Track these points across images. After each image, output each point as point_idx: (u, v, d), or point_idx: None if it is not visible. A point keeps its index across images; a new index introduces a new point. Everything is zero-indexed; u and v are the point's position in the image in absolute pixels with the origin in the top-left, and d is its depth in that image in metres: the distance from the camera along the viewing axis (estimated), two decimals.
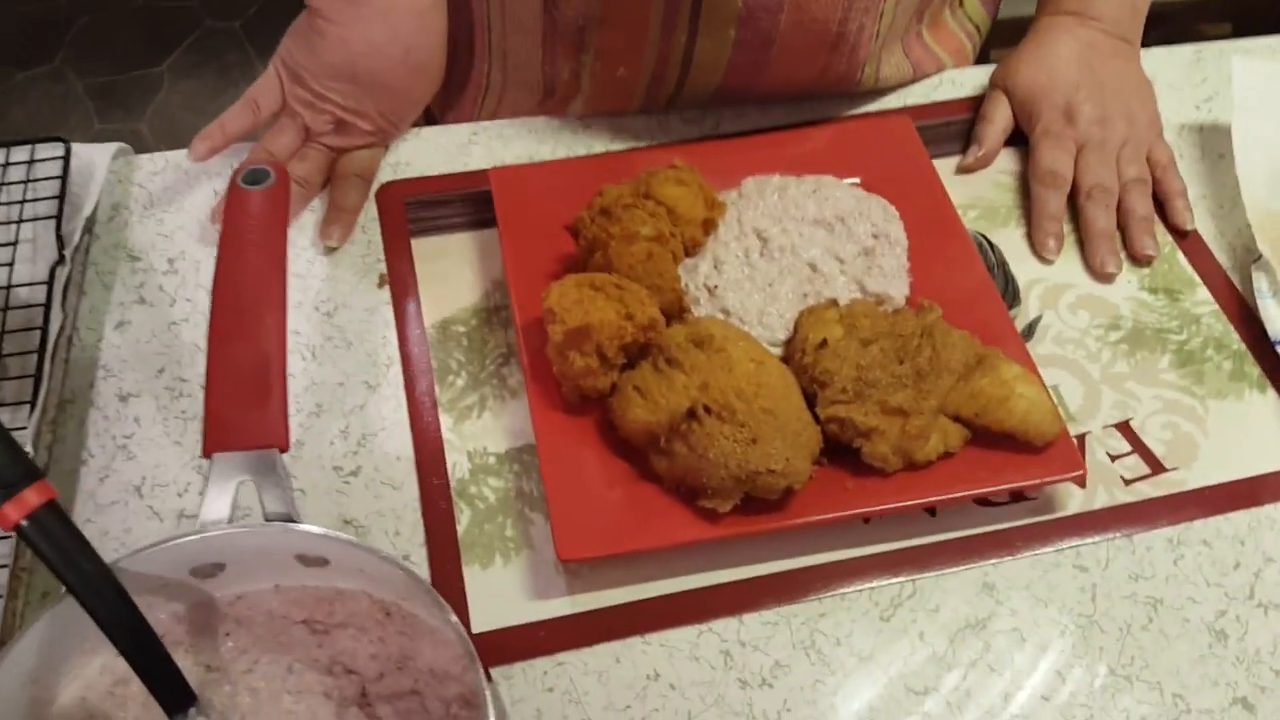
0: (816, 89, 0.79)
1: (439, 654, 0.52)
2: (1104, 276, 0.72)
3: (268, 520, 0.51)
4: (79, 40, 2.41)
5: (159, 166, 0.77)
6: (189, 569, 0.51)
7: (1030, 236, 0.75)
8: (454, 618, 0.47)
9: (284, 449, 0.51)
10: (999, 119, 0.79)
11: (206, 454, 0.51)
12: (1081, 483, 0.63)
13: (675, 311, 0.66)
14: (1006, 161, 0.79)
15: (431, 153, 0.78)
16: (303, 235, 0.73)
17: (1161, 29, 0.91)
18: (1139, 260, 0.74)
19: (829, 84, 0.78)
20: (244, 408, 0.51)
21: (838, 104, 0.82)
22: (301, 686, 0.52)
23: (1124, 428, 0.66)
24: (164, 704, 0.48)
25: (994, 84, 0.81)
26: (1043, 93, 0.78)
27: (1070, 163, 0.76)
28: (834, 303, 0.67)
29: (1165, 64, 0.87)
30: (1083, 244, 0.74)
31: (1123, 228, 0.75)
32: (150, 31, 2.43)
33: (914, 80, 0.84)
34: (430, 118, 0.88)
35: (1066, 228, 0.75)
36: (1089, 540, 0.62)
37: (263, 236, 0.55)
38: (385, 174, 0.76)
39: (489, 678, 0.49)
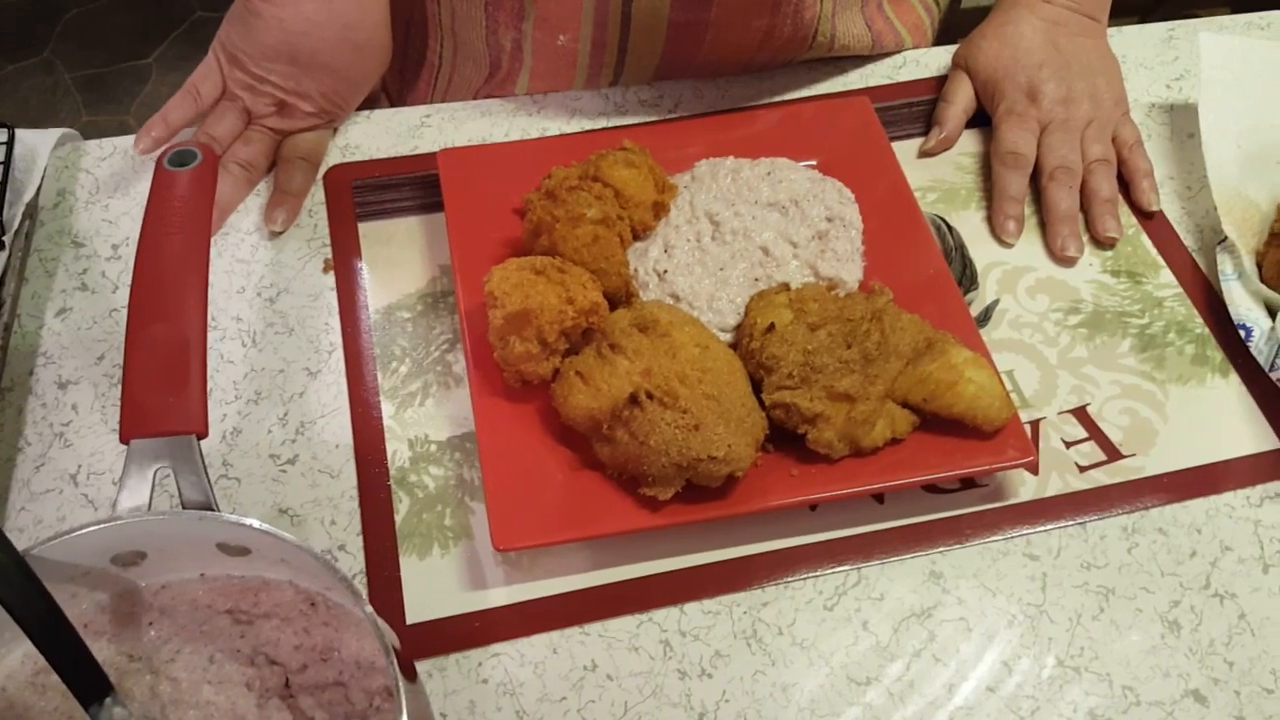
0: (768, 54, 0.78)
1: (364, 645, 0.51)
2: (1065, 260, 0.71)
3: (185, 508, 0.50)
4: (68, 32, 2.40)
5: (106, 152, 0.76)
6: (109, 557, 0.50)
7: (990, 219, 0.73)
8: (369, 609, 0.45)
9: (202, 435, 0.50)
10: (960, 99, 0.77)
11: (124, 440, 0.50)
12: (1033, 469, 0.62)
13: (622, 296, 0.65)
14: (968, 143, 0.78)
15: (382, 136, 0.76)
16: (247, 219, 0.72)
17: (1160, 12, 0.90)
18: (1101, 243, 0.72)
19: (779, 48, 0.77)
20: (162, 393, 0.50)
21: (797, 83, 0.81)
22: (222, 677, 0.51)
23: (1080, 413, 0.65)
24: (78, 694, 0.47)
25: (956, 63, 0.80)
26: (1006, 71, 0.76)
27: (1033, 143, 0.74)
28: (785, 287, 0.66)
29: (1136, 42, 0.85)
30: (1044, 226, 0.73)
31: (1086, 209, 0.73)
32: (139, 23, 2.42)
33: (874, 53, 0.82)
34: (391, 101, 0.87)
35: (1028, 210, 0.74)
36: (1040, 528, 0.60)
37: (187, 219, 0.54)
38: (334, 157, 0.75)
39: (411, 674, 0.48)
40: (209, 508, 0.50)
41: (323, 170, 0.74)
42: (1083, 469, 0.63)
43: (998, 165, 0.74)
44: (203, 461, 0.50)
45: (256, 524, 0.48)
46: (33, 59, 2.32)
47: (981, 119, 0.79)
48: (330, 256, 0.70)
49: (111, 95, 2.28)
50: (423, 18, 0.79)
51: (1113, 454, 0.63)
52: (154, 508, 0.50)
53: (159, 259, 0.53)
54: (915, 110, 0.80)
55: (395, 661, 0.44)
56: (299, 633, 0.52)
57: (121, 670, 0.50)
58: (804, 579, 0.58)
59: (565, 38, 0.75)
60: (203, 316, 0.52)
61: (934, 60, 0.83)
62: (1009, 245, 0.72)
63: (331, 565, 0.46)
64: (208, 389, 0.62)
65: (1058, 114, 0.75)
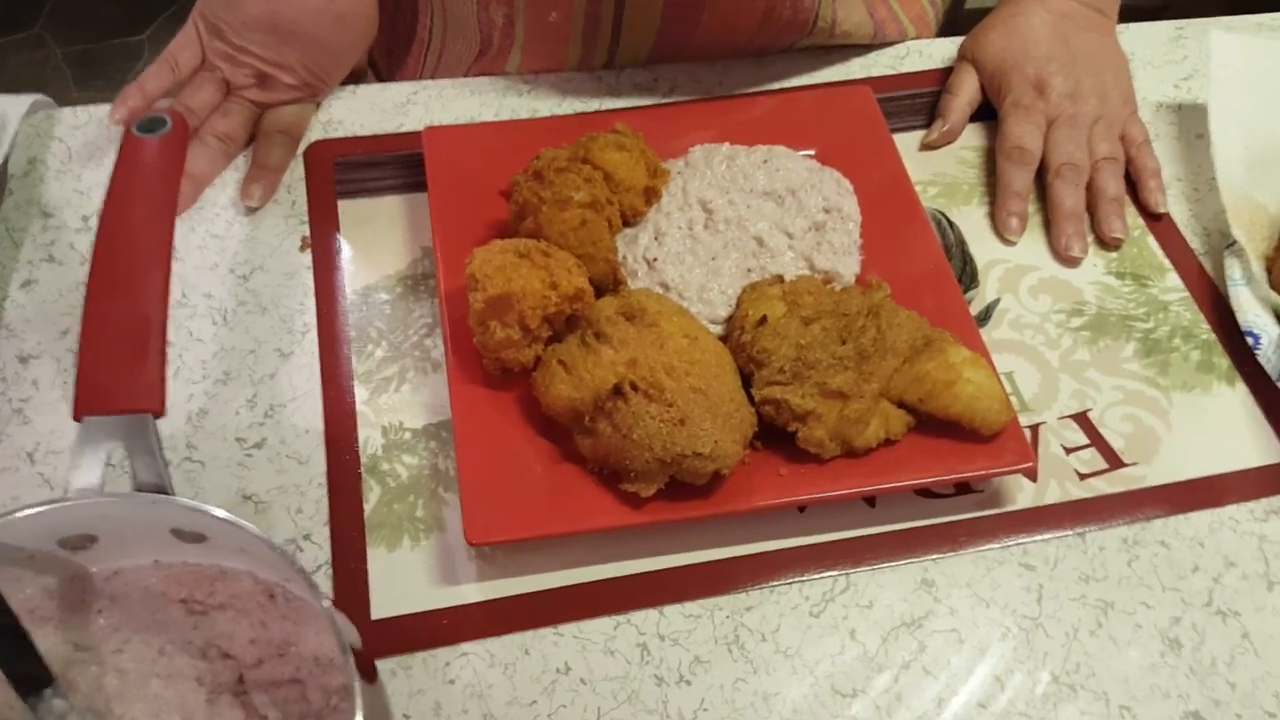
0: (766, 37, 0.75)
1: (324, 641, 0.48)
2: (1068, 260, 0.69)
3: (138, 490, 0.47)
4: (60, 7, 2.36)
5: (80, 121, 0.73)
6: (56, 540, 0.47)
7: (993, 215, 0.71)
8: (327, 602, 0.43)
9: (159, 414, 0.48)
10: (965, 92, 0.75)
11: (77, 417, 0.47)
12: (1032, 475, 0.59)
13: (609, 283, 0.63)
14: (971, 137, 0.76)
15: (367, 112, 0.74)
16: (223, 194, 0.69)
17: (1166, 15, 0.87)
18: (1107, 244, 0.70)
19: (778, 31, 0.74)
20: (117, 369, 0.47)
21: (797, 70, 0.78)
22: (172, 670, 0.48)
23: (1082, 419, 0.62)
24: (16, 684, 0.44)
25: (962, 55, 0.77)
26: (1013, 63, 0.74)
27: (1039, 138, 0.72)
28: (779, 279, 0.63)
29: (1144, 40, 0.83)
30: (1048, 224, 0.70)
31: (1091, 208, 0.71)
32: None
33: (876, 42, 0.80)
34: (379, 77, 0.85)
35: (1032, 208, 0.71)
36: (1038, 537, 0.58)
37: (153, 187, 0.51)
38: (315, 132, 0.73)
39: (371, 674, 0.46)
40: (163, 491, 0.47)
41: (303, 146, 0.72)
42: (1083, 477, 0.60)
43: (1002, 160, 0.72)
44: (158, 442, 0.48)
45: (212, 510, 0.46)
46: (23, 33, 2.28)
47: (985, 113, 0.76)
48: (308, 234, 0.67)
49: (102, 72, 2.24)
50: None
51: (1114, 462, 0.61)
52: (110, 490, 0.47)
53: (122, 229, 0.50)
54: (918, 102, 0.77)
55: (352, 660, 0.42)
56: (255, 626, 0.49)
57: (67, 660, 0.48)
58: (790, 583, 0.56)
59: (557, 15, 0.72)
60: (165, 290, 0.49)
61: (938, 51, 0.80)
62: (1011, 243, 0.69)
63: (288, 555, 0.44)
64: (171, 367, 0.60)
65: (1065, 109, 0.72)
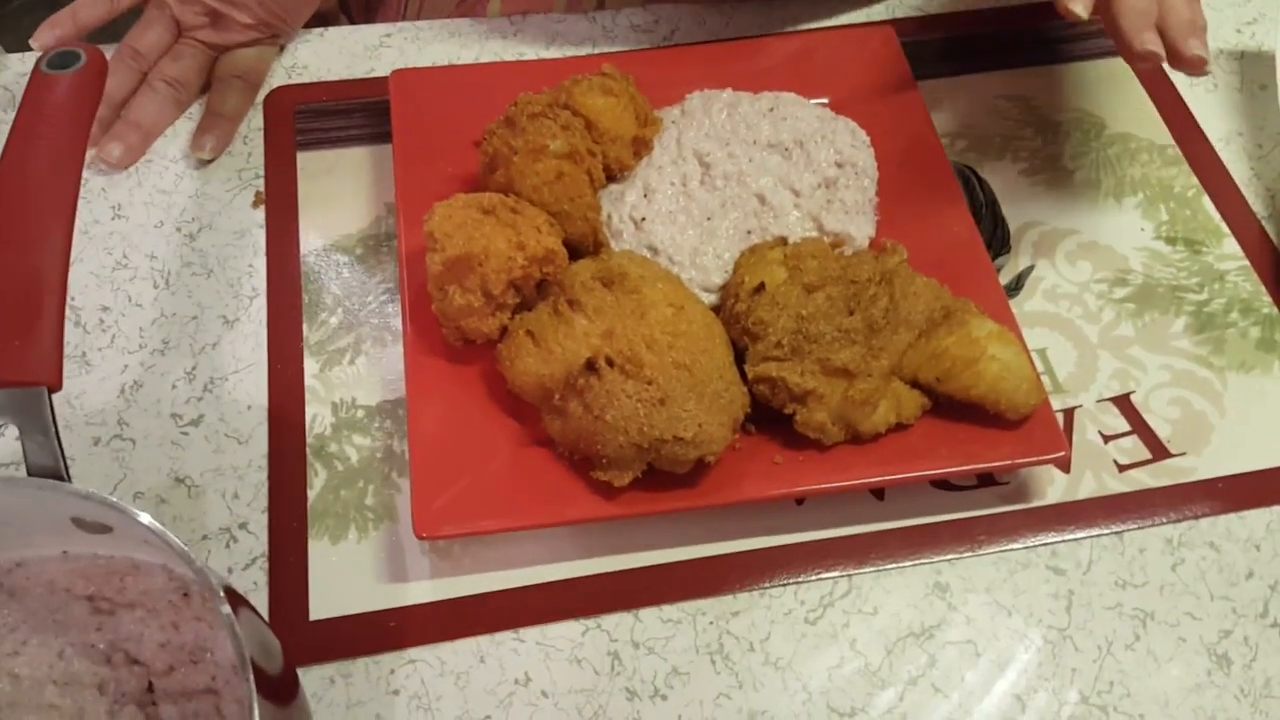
0: None
1: None
2: (1144, 55, 0.52)
3: (31, 473, 0.41)
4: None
5: (29, 68, 0.67)
6: None
7: None
8: (226, 608, 0.37)
9: (55, 387, 0.42)
10: None
11: None
12: (1064, 466, 0.53)
13: (589, 245, 0.56)
14: (1005, 84, 0.68)
15: (334, 56, 0.67)
16: (173, 145, 0.63)
17: None
18: (1188, 67, 0.53)
19: None
20: (5, 335, 0.41)
21: (813, 13, 0.71)
22: (70, 677, 0.43)
23: (1123, 402, 0.55)
24: None
25: None
26: None
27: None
28: (781, 241, 0.56)
29: None
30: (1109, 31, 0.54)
31: (1162, 33, 0.53)
32: None
33: None
34: (354, 23, 0.78)
35: (1073, 165, 0.63)
36: (1069, 536, 0.51)
37: (59, 130, 0.45)
38: (278, 78, 0.66)
39: (288, 690, 0.40)
40: (58, 475, 0.41)
41: (264, 93, 0.65)
42: (1122, 468, 0.53)
43: None
44: (53, 419, 0.42)
45: (106, 498, 0.40)
46: None
47: (1025, 58, 0.68)
48: (262, 189, 0.61)
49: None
50: None
51: (1159, 452, 0.54)
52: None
53: (20, 175, 0.44)
54: (947, 46, 0.69)
55: (252, 677, 0.36)
56: (166, 628, 0.43)
57: None
58: (784, 585, 0.49)
59: None
60: (65, 245, 0.43)
61: None
62: (1079, 17, 0.52)
63: (185, 551, 0.38)
64: (106, 335, 0.55)
65: None
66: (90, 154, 0.61)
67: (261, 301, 0.57)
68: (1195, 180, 0.64)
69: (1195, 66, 0.52)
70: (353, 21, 0.77)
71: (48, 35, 0.60)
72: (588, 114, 0.57)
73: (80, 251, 0.58)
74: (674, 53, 0.66)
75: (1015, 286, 0.59)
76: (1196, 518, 0.52)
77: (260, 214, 0.60)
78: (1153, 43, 0.52)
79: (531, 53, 0.68)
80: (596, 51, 0.68)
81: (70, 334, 0.55)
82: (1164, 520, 0.52)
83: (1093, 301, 0.59)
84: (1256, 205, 0.63)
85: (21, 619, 0.44)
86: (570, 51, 0.68)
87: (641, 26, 0.70)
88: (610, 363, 0.49)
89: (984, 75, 0.68)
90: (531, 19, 0.69)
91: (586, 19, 0.70)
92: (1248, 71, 0.70)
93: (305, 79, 0.66)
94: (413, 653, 0.47)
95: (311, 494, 0.51)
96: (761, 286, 0.53)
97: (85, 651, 0.43)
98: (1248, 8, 0.74)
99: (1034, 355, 0.55)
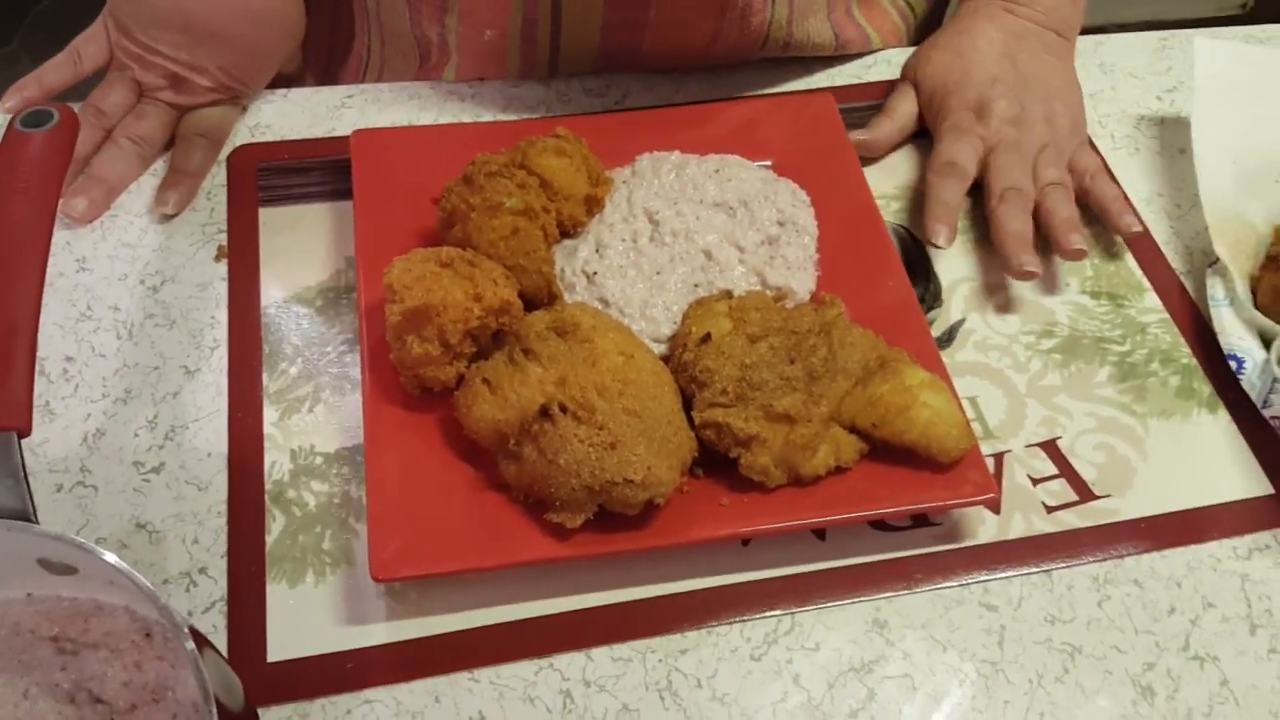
0: (718, 57, 0.71)
1: None
2: (1023, 275, 0.62)
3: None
4: (38, 23, 2.33)
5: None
6: None
7: (923, 224, 0.64)
8: (191, 644, 0.38)
9: (24, 432, 0.43)
10: (901, 114, 0.69)
11: None
12: (994, 507, 0.55)
13: (543, 298, 0.58)
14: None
15: (297, 116, 0.70)
16: (138, 201, 0.65)
17: None
18: (1069, 256, 0.63)
19: (729, 51, 0.70)
20: None
21: (758, 82, 0.74)
22: (35, 715, 0.43)
23: (1050, 447, 0.58)
24: None
25: (904, 74, 0.72)
26: (954, 86, 0.68)
27: (973, 157, 0.66)
28: (727, 294, 0.59)
29: (1126, 51, 0.79)
30: (997, 248, 0.64)
31: (1045, 231, 0.64)
32: None
33: (837, 53, 0.75)
34: (320, 83, 0.80)
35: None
36: (1000, 575, 0.53)
37: (32, 186, 0.47)
38: (241, 136, 0.68)
39: None
40: (25, 517, 0.43)
41: (227, 150, 0.67)
42: (1050, 509, 0.56)
43: (931, 176, 0.66)
44: (22, 463, 0.43)
45: (75, 540, 0.41)
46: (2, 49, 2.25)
47: None
48: (225, 243, 0.63)
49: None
50: (349, 5, 0.72)
51: (1085, 494, 0.56)
52: None
53: None
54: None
55: (215, 712, 0.37)
56: (129, 667, 0.44)
57: None
58: (730, 624, 0.51)
59: (492, 33, 0.68)
60: (36, 296, 0.45)
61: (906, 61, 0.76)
62: (939, 247, 0.63)
63: (151, 591, 0.39)
64: (70, 384, 0.56)
65: (1008, 135, 0.66)
66: None
67: (223, 352, 0.58)
68: (1118, 239, 0.68)
69: (1076, 257, 0.63)
70: (316, 84, 0.79)
71: (15, 99, 0.62)
72: (542, 173, 0.60)
73: (45, 302, 0.59)
74: (625, 117, 0.69)
75: (947, 338, 0.62)
76: (1121, 556, 0.55)
77: (222, 267, 0.62)
78: (1030, 264, 0.62)
79: (488, 115, 0.71)
80: (551, 115, 0.71)
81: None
82: (1090, 559, 0.54)
83: (1021, 352, 0.62)
84: (1176, 262, 0.67)
85: None
86: (526, 114, 0.71)
87: (594, 91, 0.73)
88: (563, 409, 0.51)
89: (918, 141, 0.72)
90: (489, 84, 0.72)
91: (542, 84, 0.73)
92: (1167, 136, 0.74)
93: (268, 137, 0.68)
94: (369, 693, 0.49)
95: (270, 539, 0.52)
96: (708, 337, 0.55)
97: (50, 691, 0.44)
98: (1168, 76, 0.78)
99: (965, 403, 0.58)
